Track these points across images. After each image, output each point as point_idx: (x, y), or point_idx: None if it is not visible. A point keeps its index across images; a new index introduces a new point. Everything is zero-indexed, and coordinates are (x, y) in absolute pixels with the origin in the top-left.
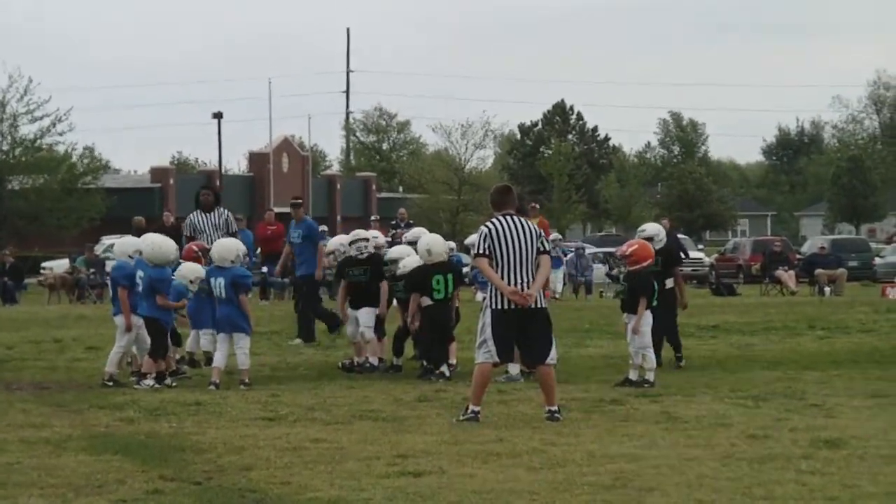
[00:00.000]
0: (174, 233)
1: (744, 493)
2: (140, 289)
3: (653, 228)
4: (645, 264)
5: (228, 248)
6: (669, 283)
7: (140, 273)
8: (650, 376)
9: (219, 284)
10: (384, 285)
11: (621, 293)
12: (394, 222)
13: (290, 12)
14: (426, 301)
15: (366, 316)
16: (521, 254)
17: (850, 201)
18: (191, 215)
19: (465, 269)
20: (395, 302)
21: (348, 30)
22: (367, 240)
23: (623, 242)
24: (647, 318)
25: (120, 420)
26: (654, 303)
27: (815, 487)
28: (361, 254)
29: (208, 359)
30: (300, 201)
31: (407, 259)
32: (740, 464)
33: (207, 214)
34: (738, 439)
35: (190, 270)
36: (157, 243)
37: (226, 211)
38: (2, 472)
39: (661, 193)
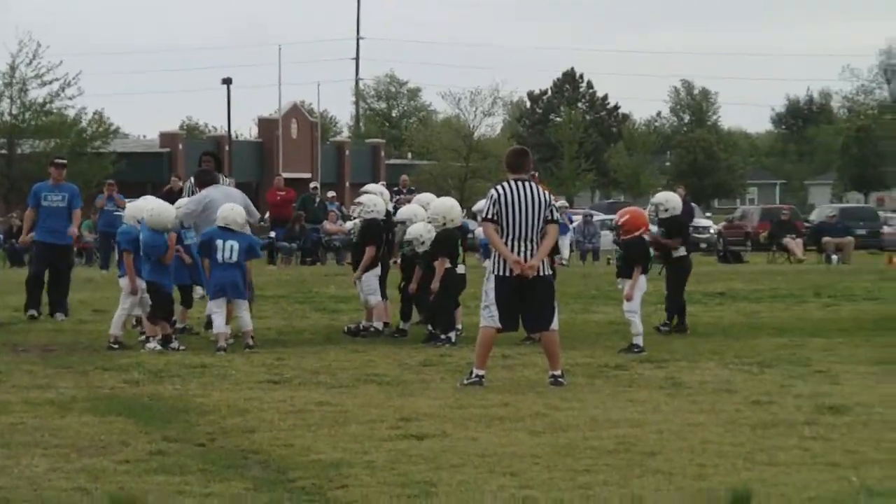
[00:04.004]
0: (181, 197)
1: (746, 459)
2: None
3: (660, 196)
4: (637, 233)
5: (239, 212)
6: (678, 251)
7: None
8: (638, 341)
9: (230, 247)
10: (368, 249)
11: (618, 260)
12: (396, 189)
13: None
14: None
15: (367, 281)
16: (528, 222)
17: (859, 171)
18: (192, 178)
19: (469, 235)
20: (396, 264)
21: None
22: (358, 204)
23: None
24: (641, 285)
25: (124, 382)
26: (649, 270)
27: (817, 453)
28: (358, 217)
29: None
30: (65, 161)
31: (414, 226)
32: (744, 429)
33: None
34: (742, 405)
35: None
36: (156, 209)
37: (227, 178)
38: (6, 433)
39: (671, 162)
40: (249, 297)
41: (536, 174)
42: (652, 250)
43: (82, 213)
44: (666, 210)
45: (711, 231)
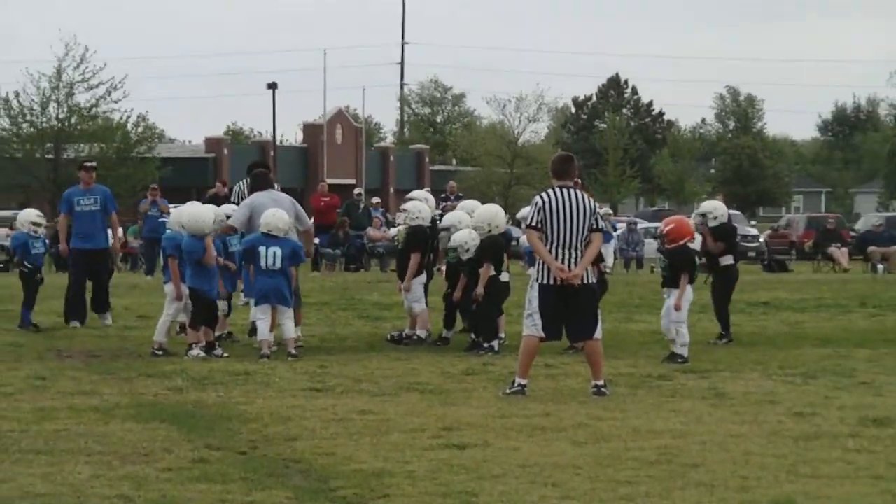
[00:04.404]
0: (227, 202)
1: (789, 471)
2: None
3: (707, 206)
4: (682, 242)
5: (283, 218)
6: (725, 260)
7: None
8: (683, 352)
9: (273, 254)
10: (414, 256)
11: (663, 270)
12: (444, 195)
13: None
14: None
15: (412, 288)
16: (572, 229)
17: None
18: (240, 183)
19: (513, 243)
20: (440, 271)
21: (403, 1)
22: (404, 210)
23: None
24: (689, 295)
25: (168, 389)
26: (695, 279)
27: (861, 466)
28: (403, 224)
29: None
30: (94, 164)
31: (458, 233)
32: (787, 441)
33: None
34: (785, 416)
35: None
36: (193, 213)
37: (276, 185)
38: (50, 439)
39: (716, 168)
40: (295, 305)
41: (580, 181)
42: (697, 259)
43: (127, 219)
44: (715, 218)
45: (761, 240)
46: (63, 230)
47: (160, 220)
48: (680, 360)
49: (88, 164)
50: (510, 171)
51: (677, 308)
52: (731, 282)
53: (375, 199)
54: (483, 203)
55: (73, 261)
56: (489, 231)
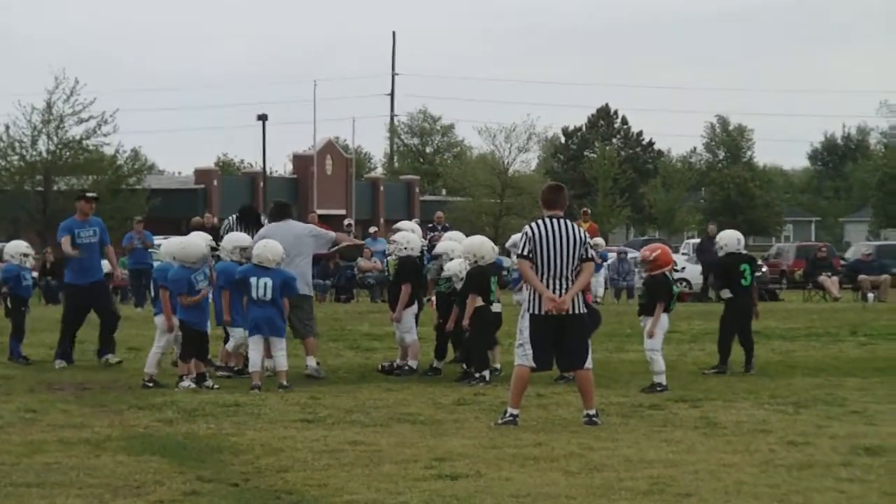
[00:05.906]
0: (214, 234)
1: (781, 500)
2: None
3: (719, 235)
4: (663, 270)
5: (274, 249)
6: (724, 293)
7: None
8: (659, 379)
9: (264, 285)
10: (405, 287)
11: (640, 297)
12: (431, 225)
13: (336, 15)
14: (479, 302)
15: (403, 319)
16: (562, 259)
17: None
18: (230, 218)
19: (504, 272)
20: (431, 303)
21: (394, 33)
22: (393, 241)
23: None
24: (663, 323)
25: (159, 421)
26: (673, 307)
27: (853, 495)
28: (392, 255)
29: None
30: (96, 195)
31: (451, 263)
32: (779, 470)
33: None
34: (777, 446)
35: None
36: (185, 242)
37: (263, 217)
38: (41, 472)
39: (704, 198)
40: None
41: (588, 211)
42: (675, 288)
43: (117, 251)
44: (720, 248)
45: (764, 269)
46: (68, 247)
47: (148, 251)
48: (659, 389)
49: (90, 194)
50: (500, 201)
51: (650, 335)
52: (728, 314)
53: (373, 229)
54: (472, 234)
55: (72, 297)
56: (475, 262)
